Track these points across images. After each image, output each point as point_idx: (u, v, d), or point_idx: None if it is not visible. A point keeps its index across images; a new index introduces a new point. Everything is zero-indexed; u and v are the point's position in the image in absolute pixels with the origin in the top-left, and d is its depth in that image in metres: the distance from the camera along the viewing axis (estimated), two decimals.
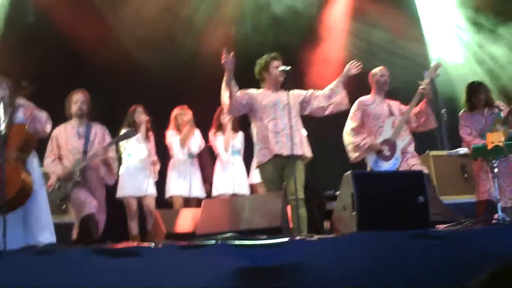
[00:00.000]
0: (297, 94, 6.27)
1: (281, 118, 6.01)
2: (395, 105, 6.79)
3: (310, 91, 6.31)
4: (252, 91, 6.23)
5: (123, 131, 7.03)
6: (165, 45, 8.90)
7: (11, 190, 5.05)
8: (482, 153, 6.18)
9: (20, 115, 5.44)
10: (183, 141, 7.61)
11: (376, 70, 6.82)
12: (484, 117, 6.86)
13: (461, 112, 7.01)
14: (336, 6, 10.15)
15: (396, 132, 6.51)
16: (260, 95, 6.19)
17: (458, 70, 10.18)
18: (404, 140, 6.52)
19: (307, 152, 6.15)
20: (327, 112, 6.29)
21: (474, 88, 6.97)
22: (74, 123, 6.49)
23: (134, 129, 6.97)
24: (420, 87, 6.53)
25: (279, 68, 6.08)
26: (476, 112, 6.90)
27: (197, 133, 7.80)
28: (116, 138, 6.82)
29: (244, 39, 9.33)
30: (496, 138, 5.99)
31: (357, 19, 10.09)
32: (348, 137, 6.61)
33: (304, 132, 6.29)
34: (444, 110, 8.67)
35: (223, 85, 5.99)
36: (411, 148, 6.63)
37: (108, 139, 6.57)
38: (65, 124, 6.48)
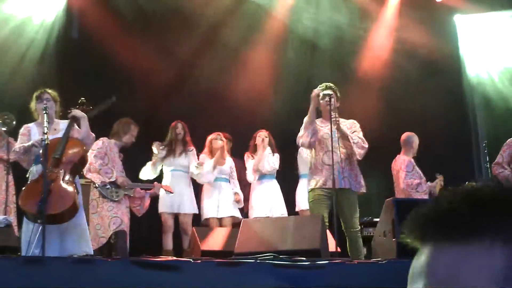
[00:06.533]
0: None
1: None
2: None
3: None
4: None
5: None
6: (206, 69, 9.00)
7: (62, 206, 5.08)
8: None
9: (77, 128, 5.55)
10: (213, 167, 7.56)
11: None
12: None
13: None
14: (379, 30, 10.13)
15: None
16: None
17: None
18: None
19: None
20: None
21: None
22: (117, 145, 6.65)
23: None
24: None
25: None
26: None
27: (229, 159, 7.74)
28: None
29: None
30: None
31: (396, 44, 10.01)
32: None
33: None
34: (485, 142, 8.52)
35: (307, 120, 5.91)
36: None
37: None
38: (109, 140, 6.59)
